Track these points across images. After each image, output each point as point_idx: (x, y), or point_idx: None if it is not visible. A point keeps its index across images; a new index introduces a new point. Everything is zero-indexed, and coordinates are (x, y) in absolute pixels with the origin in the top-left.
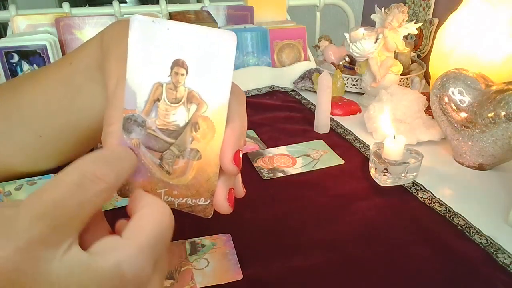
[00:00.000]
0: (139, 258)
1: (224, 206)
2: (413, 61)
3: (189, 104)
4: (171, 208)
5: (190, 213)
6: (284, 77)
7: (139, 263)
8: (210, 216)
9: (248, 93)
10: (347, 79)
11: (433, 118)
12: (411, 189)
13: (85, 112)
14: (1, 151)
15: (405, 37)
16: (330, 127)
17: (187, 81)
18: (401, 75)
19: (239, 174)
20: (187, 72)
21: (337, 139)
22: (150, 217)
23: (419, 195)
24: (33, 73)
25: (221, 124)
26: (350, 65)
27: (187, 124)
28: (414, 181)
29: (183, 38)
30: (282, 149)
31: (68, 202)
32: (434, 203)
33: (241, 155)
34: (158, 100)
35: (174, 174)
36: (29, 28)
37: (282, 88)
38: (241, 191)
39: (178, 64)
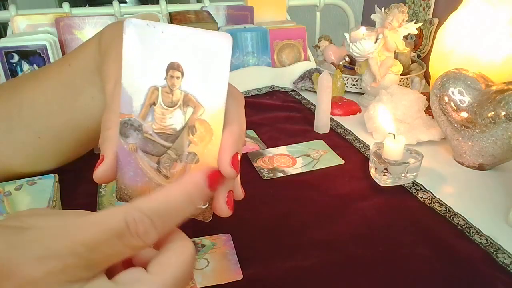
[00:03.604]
0: None
1: (223, 209)
2: (413, 61)
3: (186, 107)
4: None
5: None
6: (284, 77)
7: None
8: (210, 220)
9: (248, 93)
10: (347, 79)
11: (433, 118)
12: (411, 189)
13: (84, 113)
14: (1, 151)
15: (405, 37)
16: (330, 127)
17: (183, 84)
18: (401, 75)
19: (238, 177)
20: (182, 75)
21: (337, 139)
22: (176, 255)
23: (419, 195)
24: (33, 73)
25: (218, 127)
26: (350, 65)
27: (184, 128)
28: (414, 181)
29: (178, 41)
30: (282, 149)
31: (104, 249)
32: (434, 203)
33: (239, 158)
34: (154, 104)
35: (172, 178)
36: (29, 28)
37: (282, 88)
38: (240, 194)
39: (173, 67)
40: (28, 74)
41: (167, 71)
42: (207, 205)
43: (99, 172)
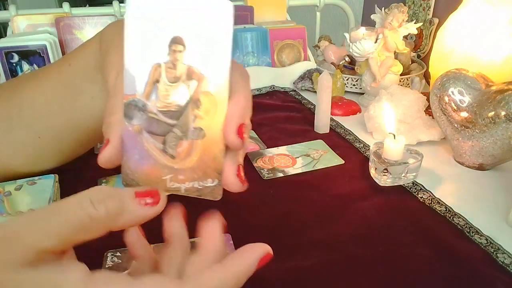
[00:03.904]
0: None
1: (235, 183)
2: (413, 61)
3: (189, 81)
4: (178, 195)
5: (198, 197)
6: (284, 77)
7: None
8: (219, 198)
9: None
10: (347, 79)
11: (433, 118)
12: (411, 189)
13: (84, 112)
14: (1, 151)
15: (405, 37)
16: (330, 127)
17: (186, 58)
18: (401, 75)
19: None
20: (184, 47)
21: (337, 139)
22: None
23: (419, 195)
24: (33, 73)
25: (223, 98)
26: (350, 65)
27: (188, 102)
28: (414, 181)
29: (178, 14)
30: (282, 149)
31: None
32: (434, 203)
33: (245, 129)
34: (158, 81)
35: (178, 158)
36: (29, 28)
37: (282, 88)
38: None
39: (175, 41)
40: (28, 74)
41: (169, 46)
42: (216, 183)
43: (104, 157)
